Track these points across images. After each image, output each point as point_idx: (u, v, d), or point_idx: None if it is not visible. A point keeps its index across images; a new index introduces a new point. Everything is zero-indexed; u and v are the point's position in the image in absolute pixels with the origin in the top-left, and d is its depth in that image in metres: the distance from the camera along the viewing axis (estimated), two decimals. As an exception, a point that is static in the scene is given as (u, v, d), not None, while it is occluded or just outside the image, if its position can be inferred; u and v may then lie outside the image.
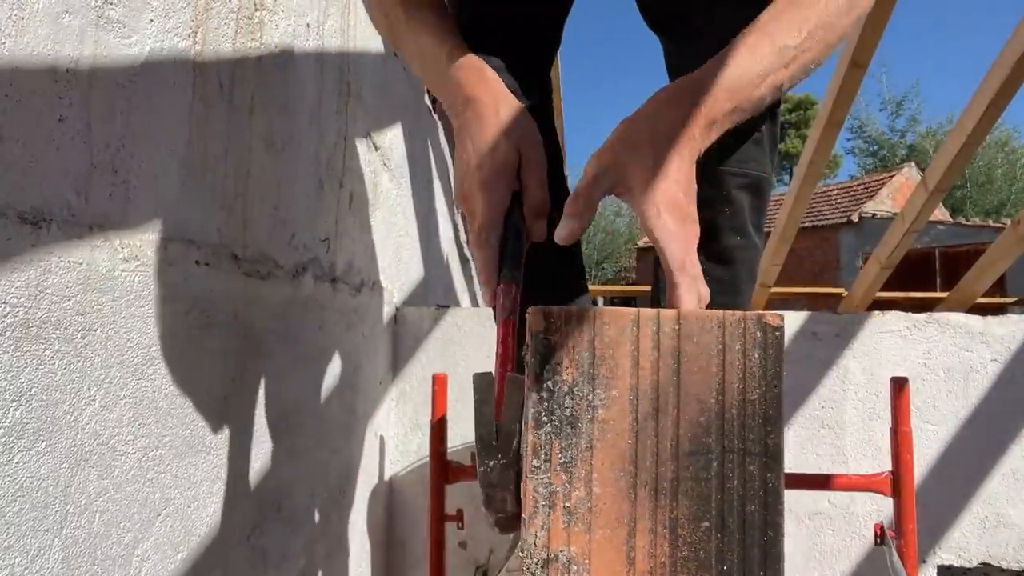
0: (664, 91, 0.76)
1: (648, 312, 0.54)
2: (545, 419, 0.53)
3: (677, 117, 0.70)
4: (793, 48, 0.75)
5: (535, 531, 0.51)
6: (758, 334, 0.53)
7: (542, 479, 0.52)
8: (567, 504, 0.51)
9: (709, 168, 1.06)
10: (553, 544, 0.50)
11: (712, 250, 1.06)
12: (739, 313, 0.53)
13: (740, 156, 1.04)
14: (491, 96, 0.83)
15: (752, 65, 0.74)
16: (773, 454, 0.51)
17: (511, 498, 0.60)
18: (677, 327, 0.53)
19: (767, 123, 1.08)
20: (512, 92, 1.13)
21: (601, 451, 0.52)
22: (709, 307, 0.64)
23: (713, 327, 0.53)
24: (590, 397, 0.52)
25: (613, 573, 0.49)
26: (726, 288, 1.06)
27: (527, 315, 0.56)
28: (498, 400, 0.61)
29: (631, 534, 0.50)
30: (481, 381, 0.60)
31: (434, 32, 0.91)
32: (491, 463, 0.57)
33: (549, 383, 0.53)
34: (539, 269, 0.89)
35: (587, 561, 0.50)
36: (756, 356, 0.52)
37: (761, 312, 0.53)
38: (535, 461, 0.52)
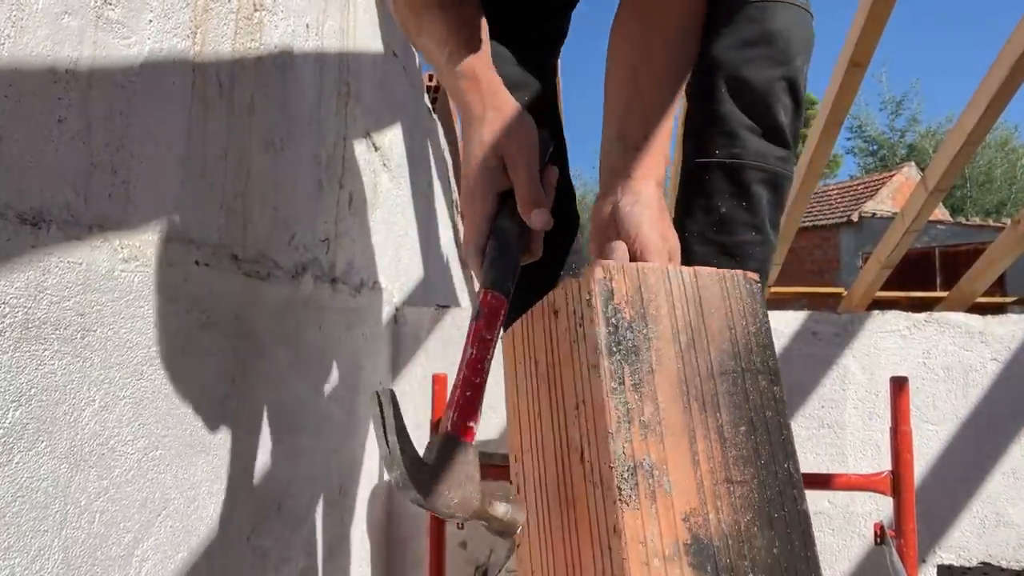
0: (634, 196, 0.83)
1: (672, 267, 0.67)
2: (615, 348, 0.61)
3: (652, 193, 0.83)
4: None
5: (621, 443, 0.58)
6: (746, 285, 0.68)
7: (620, 399, 0.60)
8: (642, 419, 0.60)
9: (729, 163, 1.06)
10: (637, 454, 0.58)
11: (725, 244, 1.04)
12: (725, 271, 0.68)
13: (759, 150, 1.04)
14: (480, 103, 0.84)
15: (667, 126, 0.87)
16: (774, 371, 0.64)
17: (442, 506, 0.67)
18: (694, 279, 0.66)
19: (791, 119, 1.07)
20: (516, 82, 1.16)
21: (660, 374, 0.62)
22: None
23: (716, 280, 0.67)
24: (645, 331, 0.63)
25: (685, 475, 0.58)
26: None
27: (586, 268, 0.66)
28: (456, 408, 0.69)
29: (692, 441, 0.60)
30: (371, 401, 0.66)
31: (439, 32, 0.91)
32: (395, 474, 0.65)
33: (613, 320, 0.62)
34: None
35: (665, 466, 0.58)
36: (747, 300, 0.67)
37: (737, 271, 0.68)
38: (613, 383, 0.60)
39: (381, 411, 0.65)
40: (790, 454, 0.62)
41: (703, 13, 0.92)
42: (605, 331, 0.62)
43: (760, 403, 0.62)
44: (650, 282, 0.65)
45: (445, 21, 0.93)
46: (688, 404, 0.61)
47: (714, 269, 0.68)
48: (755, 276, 0.69)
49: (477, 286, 0.80)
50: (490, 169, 0.79)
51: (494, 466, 1.32)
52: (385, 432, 0.65)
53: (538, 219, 0.76)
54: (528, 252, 0.82)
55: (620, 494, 0.57)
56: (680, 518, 0.57)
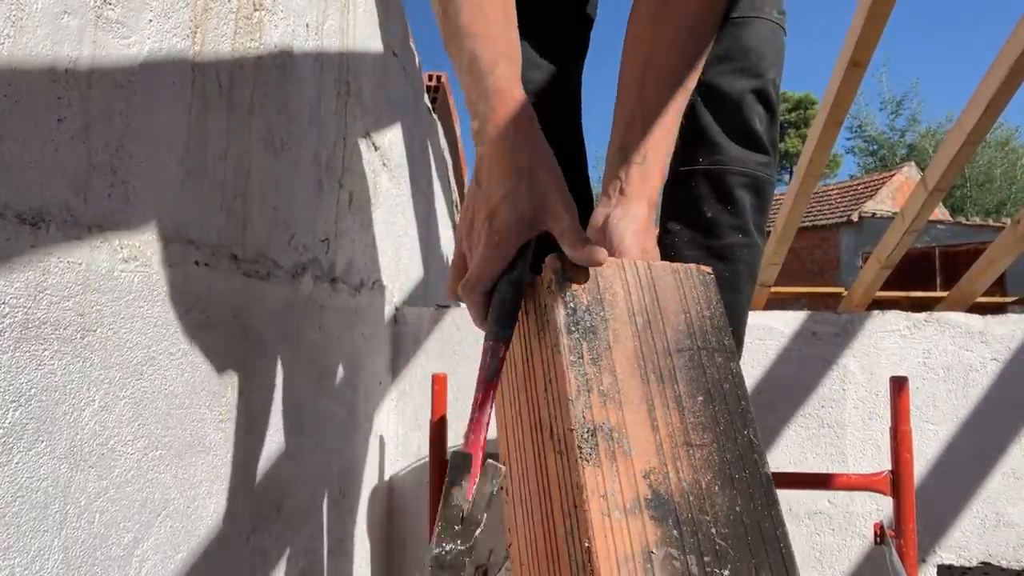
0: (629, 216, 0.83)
1: (627, 260, 0.73)
2: (573, 328, 0.67)
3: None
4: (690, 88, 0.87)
5: (581, 409, 0.63)
6: (699, 276, 0.73)
7: (579, 370, 0.64)
8: (601, 388, 0.64)
9: (712, 170, 1.11)
10: (596, 418, 0.62)
11: (713, 247, 1.09)
12: (679, 264, 0.73)
13: (739, 157, 1.09)
14: (522, 139, 0.77)
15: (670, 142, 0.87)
16: (730, 350, 0.69)
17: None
18: (648, 270, 0.72)
19: (766, 127, 1.13)
20: (543, 92, 1.18)
21: (617, 350, 0.66)
22: None
23: (670, 271, 0.73)
24: (602, 313, 0.68)
25: (644, 438, 0.62)
26: (725, 285, 1.08)
27: (544, 263, 0.71)
28: (472, 479, 0.65)
29: (651, 408, 0.64)
30: (457, 459, 0.65)
31: (476, 42, 0.83)
32: (449, 547, 0.62)
33: (571, 304, 0.68)
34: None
35: (624, 430, 0.62)
36: (701, 289, 0.72)
37: (691, 264, 0.74)
38: (572, 357, 0.65)
39: (486, 491, 0.64)
40: (749, 422, 0.65)
41: (715, 14, 0.89)
42: (563, 312, 0.68)
43: (718, 377, 0.67)
44: (606, 272, 0.70)
45: (495, 17, 0.85)
46: (646, 376, 0.66)
47: (667, 263, 0.73)
48: (707, 269, 0.74)
49: (472, 318, 0.77)
50: (527, 220, 0.74)
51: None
52: (475, 507, 0.63)
53: (594, 254, 0.69)
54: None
55: (581, 452, 0.61)
56: (640, 475, 0.61)
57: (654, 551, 0.57)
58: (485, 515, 0.63)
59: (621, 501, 0.59)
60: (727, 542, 0.58)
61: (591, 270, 0.70)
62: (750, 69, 1.11)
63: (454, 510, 0.63)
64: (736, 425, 0.65)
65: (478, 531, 0.62)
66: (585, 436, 0.62)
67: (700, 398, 0.65)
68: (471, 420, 0.69)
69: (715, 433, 0.64)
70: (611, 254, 0.78)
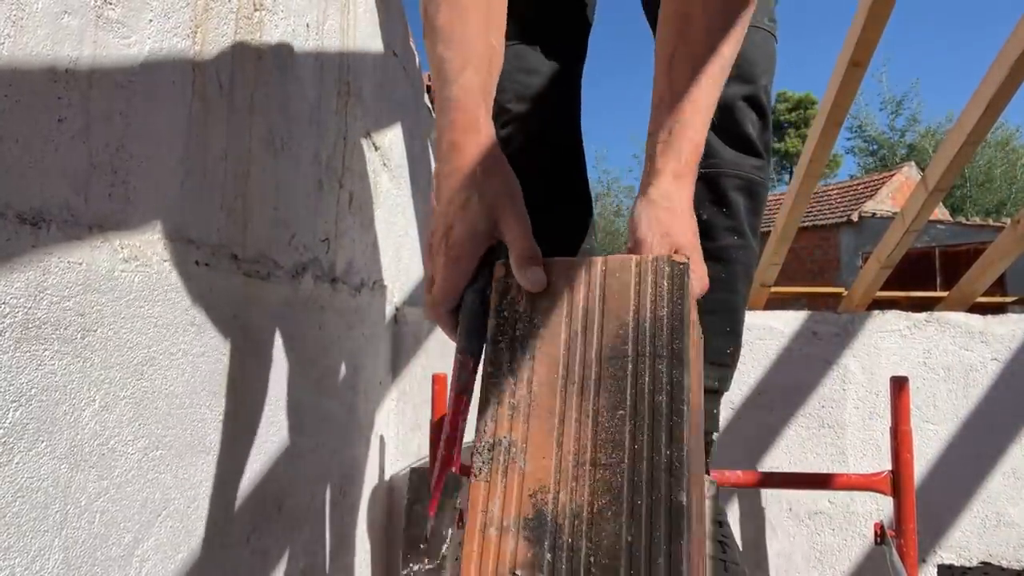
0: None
1: (581, 258, 0.68)
2: (499, 338, 0.66)
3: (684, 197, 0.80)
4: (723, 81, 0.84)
5: (484, 422, 0.62)
6: (666, 268, 0.66)
7: (493, 381, 0.64)
8: (512, 400, 0.63)
9: (707, 173, 1.12)
10: (499, 432, 0.61)
11: (709, 249, 1.11)
12: (652, 255, 0.67)
13: (733, 160, 1.12)
14: (474, 150, 0.75)
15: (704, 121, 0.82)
16: (678, 356, 0.62)
17: None
18: (604, 268, 0.67)
19: (759, 132, 1.16)
20: (542, 96, 1.17)
21: (540, 360, 0.64)
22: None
23: (631, 266, 0.67)
24: (535, 321, 0.66)
25: (544, 453, 0.60)
26: (722, 286, 1.10)
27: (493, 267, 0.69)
28: (434, 493, 0.66)
29: (561, 422, 0.61)
30: (416, 478, 0.64)
31: (448, 47, 0.82)
32: (416, 567, 0.61)
33: (505, 312, 0.67)
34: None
35: (524, 444, 0.61)
36: (665, 284, 0.65)
37: (662, 255, 0.67)
38: (489, 368, 0.65)
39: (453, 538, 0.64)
40: (676, 440, 0.59)
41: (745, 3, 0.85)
42: (494, 323, 0.67)
43: (651, 388, 0.61)
44: (551, 274, 0.68)
45: (470, 24, 0.82)
46: (564, 388, 0.62)
47: (631, 255, 0.68)
48: (682, 259, 0.67)
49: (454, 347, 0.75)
50: (481, 233, 0.73)
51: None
52: (450, 546, 0.63)
53: (535, 277, 0.68)
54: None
55: (473, 467, 0.61)
56: (527, 494, 0.59)
57: (519, 573, 0.56)
58: (451, 529, 0.62)
59: (499, 518, 0.58)
60: (603, 573, 0.55)
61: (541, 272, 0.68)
62: (742, 76, 1.13)
63: (417, 529, 0.63)
64: (656, 444, 0.59)
65: (445, 546, 0.62)
66: (481, 451, 0.61)
67: (620, 412, 0.61)
68: (444, 434, 0.69)
69: (626, 452, 0.59)
70: (634, 251, 0.75)
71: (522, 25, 1.26)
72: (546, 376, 0.63)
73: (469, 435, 0.68)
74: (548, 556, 0.56)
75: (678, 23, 0.82)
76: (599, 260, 0.68)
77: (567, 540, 0.57)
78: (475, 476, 0.60)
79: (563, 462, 0.60)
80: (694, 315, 0.73)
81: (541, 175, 1.31)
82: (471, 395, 0.71)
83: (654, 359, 0.62)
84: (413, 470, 0.67)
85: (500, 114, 1.36)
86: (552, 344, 0.64)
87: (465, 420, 0.71)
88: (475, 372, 0.71)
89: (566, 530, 0.57)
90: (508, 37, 1.34)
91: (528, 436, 0.61)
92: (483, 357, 0.66)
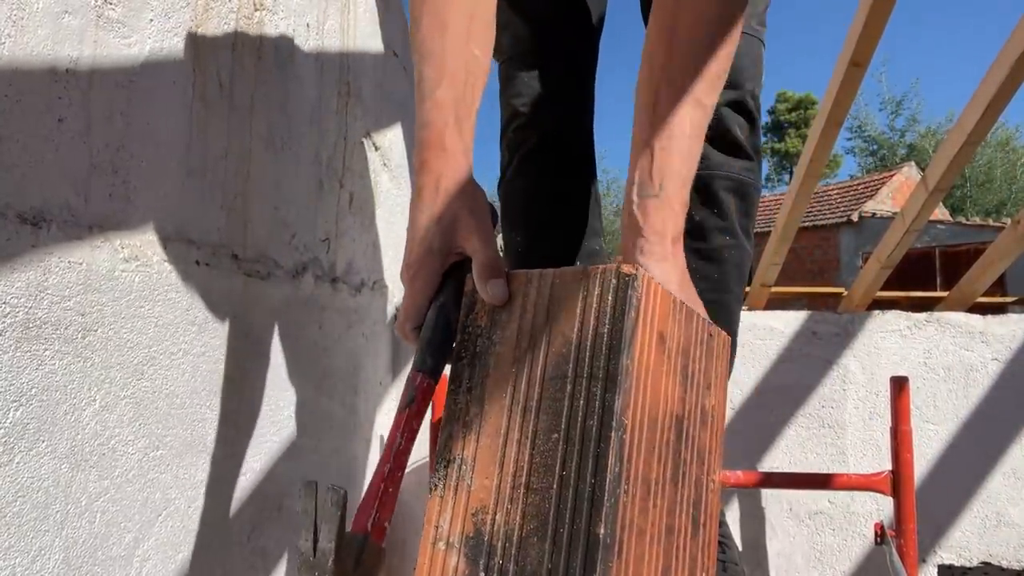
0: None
1: (536, 271, 0.66)
2: (463, 355, 0.66)
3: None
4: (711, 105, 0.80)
5: (444, 438, 0.64)
6: (613, 281, 0.62)
7: (454, 399, 0.65)
8: (466, 419, 0.64)
9: (698, 176, 1.14)
10: (454, 449, 0.63)
11: (702, 249, 1.14)
12: (603, 266, 0.63)
13: (723, 162, 1.14)
14: (437, 168, 0.76)
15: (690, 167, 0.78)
16: (612, 378, 0.59)
17: None
18: (553, 280, 0.65)
19: (747, 135, 1.18)
20: (551, 98, 1.15)
21: (493, 378, 0.64)
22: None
23: (580, 277, 0.63)
24: (493, 337, 0.65)
25: (488, 474, 0.61)
26: (715, 285, 1.11)
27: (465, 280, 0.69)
28: (362, 507, 0.65)
29: (505, 443, 0.61)
30: (307, 490, 0.64)
31: (426, 61, 0.82)
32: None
33: (469, 328, 0.67)
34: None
35: (473, 463, 0.62)
36: (610, 298, 0.61)
37: (622, 264, 0.63)
38: (452, 385, 0.65)
39: (318, 505, 0.62)
40: (601, 468, 0.57)
41: (730, 24, 0.83)
42: (459, 339, 0.67)
43: (584, 411, 0.59)
44: (511, 288, 0.67)
45: (450, 39, 0.81)
46: (511, 408, 0.62)
47: (582, 267, 0.65)
48: (631, 270, 0.62)
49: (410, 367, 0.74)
50: (436, 250, 0.73)
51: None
52: (321, 533, 0.62)
53: (496, 289, 0.67)
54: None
55: (432, 480, 0.63)
56: (471, 513, 0.60)
57: None
58: (333, 543, 0.61)
59: (447, 533, 0.60)
60: None
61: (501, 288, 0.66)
62: (728, 82, 1.14)
63: (302, 542, 0.63)
64: (583, 472, 0.57)
65: (330, 561, 0.61)
66: (439, 467, 0.63)
67: (555, 436, 0.59)
68: (382, 451, 0.67)
69: (555, 478, 0.58)
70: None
71: (533, 28, 1.28)
72: (497, 395, 0.63)
73: (418, 453, 0.68)
74: (481, 574, 0.58)
75: (662, 66, 0.79)
76: (551, 273, 0.65)
77: (498, 562, 0.58)
78: (432, 490, 0.62)
79: (503, 483, 0.60)
80: (697, 315, 0.70)
81: (551, 177, 1.32)
82: (417, 412, 0.70)
83: (589, 380, 0.60)
84: (305, 484, 0.66)
85: (513, 117, 1.37)
86: (505, 361, 0.64)
87: (407, 438, 0.69)
88: (425, 389, 0.70)
89: (498, 551, 0.58)
90: (519, 41, 1.36)
91: (476, 455, 0.62)
92: (449, 373, 0.66)
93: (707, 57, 0.79)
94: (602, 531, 0.55)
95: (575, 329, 0.62)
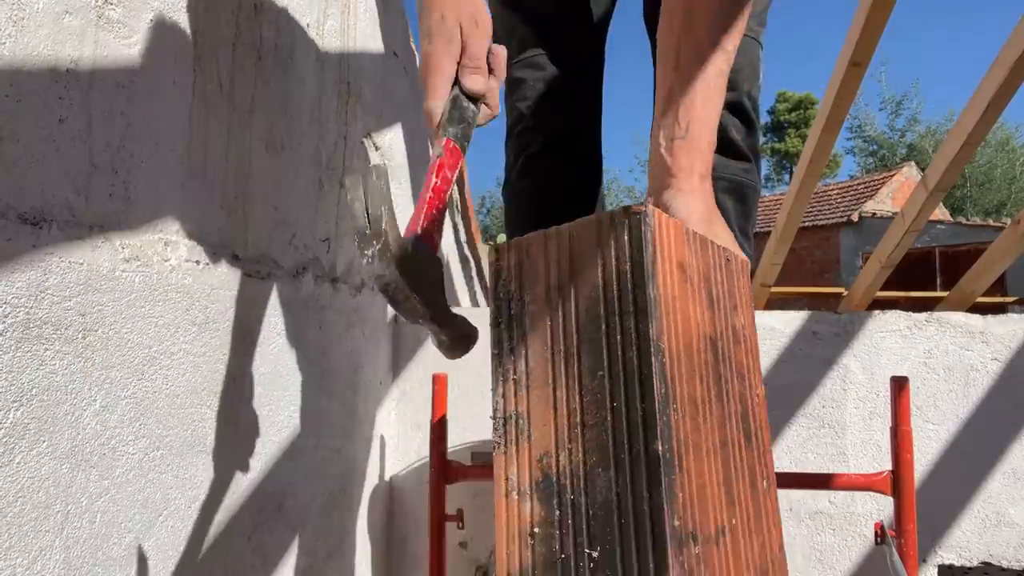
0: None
1: (553, 229, 0.69)
2: (499, 320, 0.70)
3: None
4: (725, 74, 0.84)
5: (497, 398, 0.67)
6: (626, 221, 0.65)
7: (498, 361, 0.68)
8: (515, 376, 0.67)
9: None
10: (508, 407, 0.66)
11: None
12: (613, 210, 0.67)
13: (720, 164, 1.14)
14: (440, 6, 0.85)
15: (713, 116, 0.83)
16: (642, 310, 0.63)
17: (414, 298, 0.73)
18: (569, 233, 0.68)
19: (744, 136, 1.18)
20: (557, 101, 1.25)
21: (532, 335, 0.68)
22: None
23: (595, 225, 0.67)
24: (524, 298, 0.69)
25: (545, 420, 0.65)
26: None
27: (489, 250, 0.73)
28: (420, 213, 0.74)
29: (555, 390, 0.65)
30: (352, 180, 0.71)
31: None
32: (370, 252, 0.69)
33: (501, 294, 0.70)
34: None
35: (528, 415, 0.65)
36: (626, 238, 0.65)
37: (631, 205, 0.66)
38: (494, 350, 0.69)
39: (367, 184, 0.68)
40: (648, 391, 0.61)
41: None
42: (493, 307, 0.71)
43: (623, 345, 0.63)
44: (531, 251, 0.70)
45: None
46: (553, 358, 0.66)
47: (595, 216, 0.68)
48: (640, 208, 0.66)
49: (432, 146, 0.84)
50: (448, 39, 0.82)
51: (489, 466, 1.32)
52: (370, 203, 0.68)
53: (473, 82, 0.82)
54: (488, 108, 0.87)
55: (494, 439, 0.66)
56: (536, 459, 0.64)
57: (537, 530, 0.62)
58: (384, 208, 0.68)
59: (518, 483, 0.64)
60: (599, 524, 0.60)
61: (520, 252, 0.70)
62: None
63: (359, 219, 0.69)
64: (631, 400, 0.62)
65: (383, 221, 0.69)
66: (498, 426, 0.67)
67: (600, 373, 0.64)
68: (428, 182, 0.77)
69: (607, 411, 0.63)
70: None
71: (536, 32, 1.28)
72: (539, 348, 0.67)
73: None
74: (557, 513, 0.62)
75: (681, 16, 0.82)
76: (567, 228, 0.69)
77: (569, 498, 0.62)
78: (495, 448, 0.66)
79: (560, 427, 0.64)
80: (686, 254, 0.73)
81: (557, 177, 1.32)
82: (448, 164, 0.80)
83: (622, 317, 0.64)
84: (349, 177, 0.74)
85: (519, 120, 1.37)
86: (540, 317, 0.68)
87: (442, 179, 0.79)
88: (452, 149, 0.80)
89: (568, 489, 0.62)
90: (524, 45, 1.36)
91: (530, 407, 0.66)
92: (490, 339, 0.70)
93: (723, 32, 0.81)
94: (660, 447, 0.59)
95: (599, 273, 0.66)
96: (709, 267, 0.73)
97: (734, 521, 0.68)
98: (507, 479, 0.65)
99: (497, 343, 0.70)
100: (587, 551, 0.60)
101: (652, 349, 0.62)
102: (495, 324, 0.70)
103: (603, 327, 0.64)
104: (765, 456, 0.77)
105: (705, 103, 0.79)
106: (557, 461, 0.63)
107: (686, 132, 0.78)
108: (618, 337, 0.64)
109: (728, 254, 0.78)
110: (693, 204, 0.77)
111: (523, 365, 0.67)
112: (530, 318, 0.68)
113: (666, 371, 0.62)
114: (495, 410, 0.68)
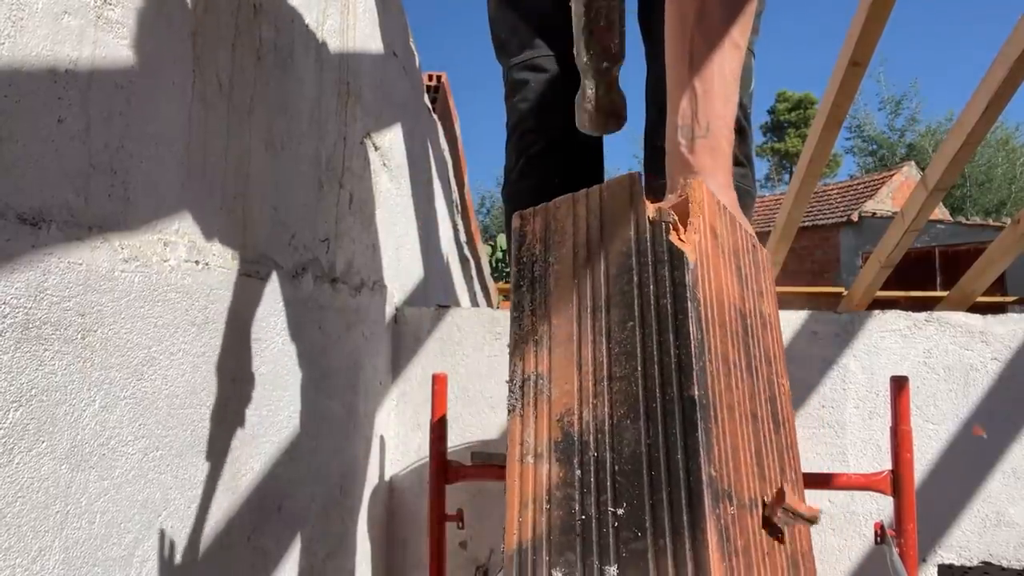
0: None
1: (582, 191, 0.69)
2: (521, 283, 0.68)
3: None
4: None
5: (515, 361, 0.65)
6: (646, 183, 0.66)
7: (518, 325, 0.67)
8: (534, 338, 0.65)
9: None
10: (527, 368, 0.64)
11: None
12: (635, 172, 0.68)
13: None
14: None
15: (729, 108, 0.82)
16: (677, 256, 0.62)
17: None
18: (605, 192, 0.68)
19: (737, 144, 1.18)
20: (558, 103, 1.23)
21: (555, 294, 0.66)
22: None
23: (628, 182, 0.67)
24: (549, 260, 0.68)
25: (566, 378, 0.62)
26: None
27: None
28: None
29: (580, 346, 0.63)
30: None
31: None
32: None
33: (524, 258, 0.69)
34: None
35: (549, 375, 0.63)
36: (650, 196, 0.66)
37: (635, 172, 0.68)
38: (515, 312, 0.67)
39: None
40: (683, 336, 0.59)
41: None
42: (515, 270, 0.70)
43: (656, 293, 0.62)
44: (559, 213, 0.70)
45: None
46: (579, 314, 0.64)
47: (628, 174, 0.69)
48: (637, 173, 0.69)
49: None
50: None
51: (494, 466, 1.32)
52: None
53: None
54: None
55: (509, 403, 0.64)
56: (555, 419, 0.62)
57: (555, 492, 0.59)
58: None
59: (534, 446, 0.61)
60: (626, 479, 0.57)
61: (546, 216, 0.69)
62: None
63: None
64: (665, 346, 0.59)
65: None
66: (514, 389, 0.65)
67: (630, 324, 0.61)
68: None
69: (638, 360, 0.60)
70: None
71: (537, 32, 1.28)
72: (563, 307, 0.65)
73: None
74: (578, 472, 0.58)
75: (694, 12, 0.81)
76: (597, 188, 0.69)
77: (593, 454, 0.59)
78: (510, 413, 0.64)
79: (584, 383, 0.62)
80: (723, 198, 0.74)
81: (558, 177, 1.32)
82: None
83: (655, 266, 0.62)
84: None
85: (520, 121, 1.37)
86: (566, 276, 0.66)
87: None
88: None
89: (591, 445, 0.59)
90: (525, 45, 1.36)
91: (551, 366, 0.63)
92: (511, 303, 0.69)
93: (733, 21, 0.80)
94: (696, 392, 0.57)
95: (632, 227, 0.65)
96: (738, 246, 0.73)
97: (766, 499, 0.65)
98: (522, 443, 0.62)
99: (517, 306, 0.68)
100: (611, 509, 0.56)
101: (688, 295, 0.60)
102: (516, 287, 0.69)
103: (635, 279, 0.63)
104: (793, 449, 0.75)
105: (724, 103, 0.79)
106: (580, 418, 0.60)
107: (706, 131, 0.78)
108: (651, 287, 0.62)
109: (754, 241, 0.77)
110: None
111: (545, 325, 0.65)
112: (555, 278, 0.67)
113: (701, 318, 0.60)
114: (512, 375, 0.65)
